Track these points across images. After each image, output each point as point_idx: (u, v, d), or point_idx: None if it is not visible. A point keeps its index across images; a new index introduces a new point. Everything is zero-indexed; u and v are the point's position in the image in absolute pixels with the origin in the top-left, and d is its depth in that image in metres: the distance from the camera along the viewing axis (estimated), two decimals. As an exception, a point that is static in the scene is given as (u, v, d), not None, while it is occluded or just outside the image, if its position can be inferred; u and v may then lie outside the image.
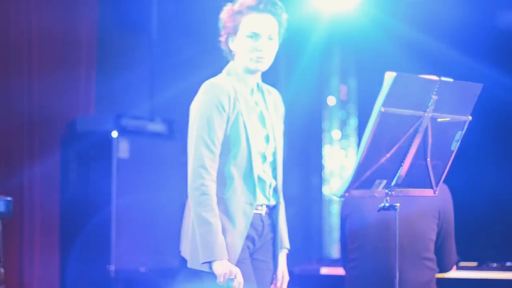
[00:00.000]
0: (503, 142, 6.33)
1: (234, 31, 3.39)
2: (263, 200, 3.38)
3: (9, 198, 4.18)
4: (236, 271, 3.21)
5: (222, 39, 3.45)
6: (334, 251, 7.65)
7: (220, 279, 3.19)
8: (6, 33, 5.62)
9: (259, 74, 3.46)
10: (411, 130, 2.91)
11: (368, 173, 2.82)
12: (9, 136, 5.58)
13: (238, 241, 3.28)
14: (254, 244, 3.38)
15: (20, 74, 5.68)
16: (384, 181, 2.92)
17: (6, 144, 5.56)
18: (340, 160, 7.92)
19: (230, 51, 3.43)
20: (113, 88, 6.34)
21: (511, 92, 6.15)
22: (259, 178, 3.36)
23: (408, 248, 3.81)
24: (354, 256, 3.96)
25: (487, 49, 6.49)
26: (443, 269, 3.99)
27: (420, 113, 2.91)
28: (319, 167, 7.89)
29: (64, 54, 6.02)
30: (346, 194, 2.79)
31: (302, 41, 7.42)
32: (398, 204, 2.95)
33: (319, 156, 7.91)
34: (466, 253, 4.74)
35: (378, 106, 2.75)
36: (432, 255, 3.89)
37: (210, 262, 3.21)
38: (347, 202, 4.03)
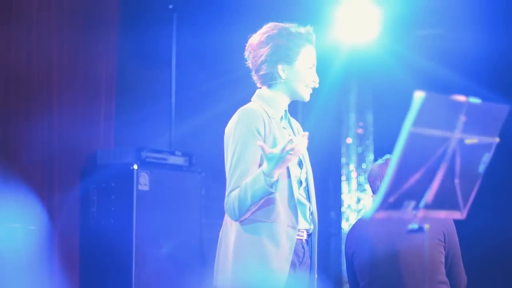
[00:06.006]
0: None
1: (289, 60, 3.41)
2: (304, 224, 3.37)
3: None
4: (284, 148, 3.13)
5: (268, 62, 3.41)
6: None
7: (288, 158, 3.13)
8: (28, 68, 5.66)
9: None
10: (440, 151, 2.89)
11: (397, 194, 2.79)
12: (29, 168, 5.59)
13: (284, 265, 3.26)
14: (295, 271, 3.36)
15: (40, 108, 5.71)
16: (413, 203, 2.89)
17: (26, 175, 5.56)
18: (357, 195, 7.90)
19: (278, 77, 3.42)
20: (132, 121, 6.36)
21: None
22: (299, 202, 3.35)
23: (421, 274, 3.78)
24: (367, 291, 3.93)
25: (509, 84, 6.49)
26: None
27: (448, 134, 2.89)
28: (338, 202, 7.86)
29: (84, 87, 6.07)
30: (376, 215, 2.76)
31: (319, 76, 7.42)
32: (427, 226, 2.91)
33: (338, 191, 7.89)
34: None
35: (407, 126, 2.73)
36: (445, 278, 3.87)
37: (272, 183, 3.16)
38: (350, 240, 4.04)
